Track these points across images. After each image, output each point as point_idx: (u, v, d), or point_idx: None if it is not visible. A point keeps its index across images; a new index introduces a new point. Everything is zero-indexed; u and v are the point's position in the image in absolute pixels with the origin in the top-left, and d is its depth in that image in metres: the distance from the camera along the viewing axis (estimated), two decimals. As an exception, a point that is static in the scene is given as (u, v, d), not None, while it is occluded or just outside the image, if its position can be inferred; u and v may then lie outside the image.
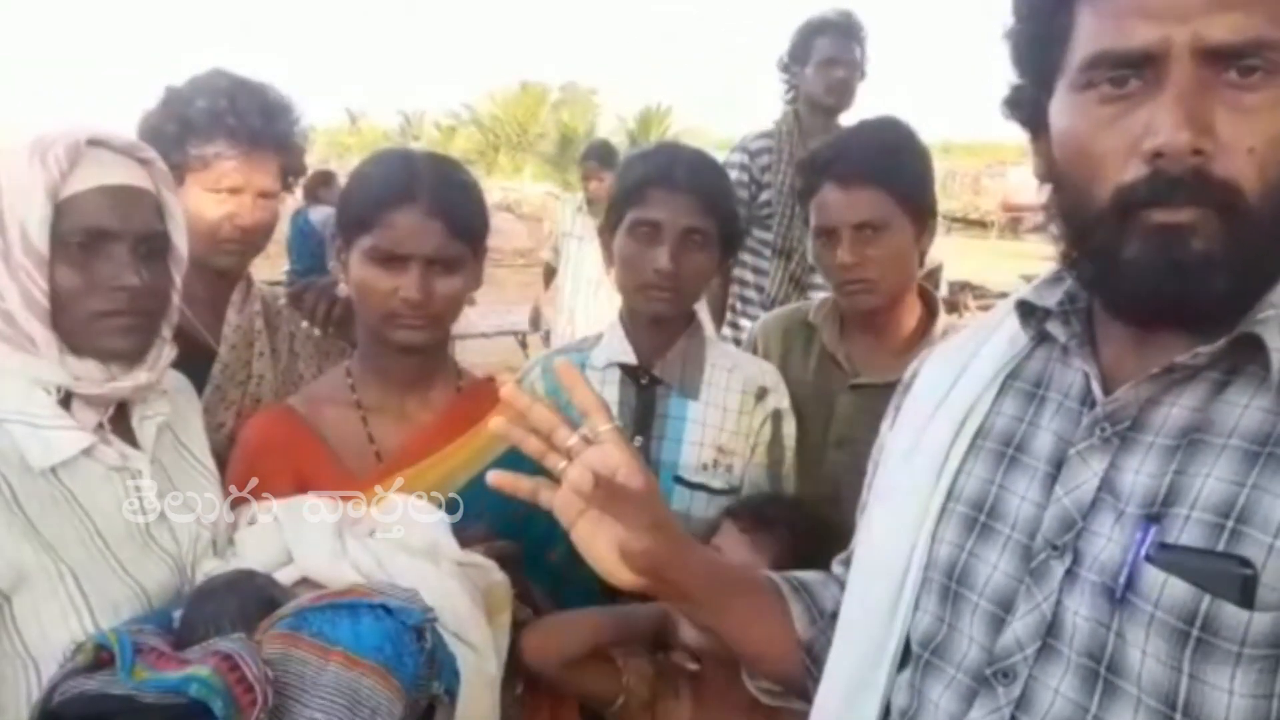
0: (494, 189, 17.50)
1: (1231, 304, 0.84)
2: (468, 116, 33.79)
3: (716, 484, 1.89)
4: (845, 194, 1.90)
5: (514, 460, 1.09)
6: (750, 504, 1.77)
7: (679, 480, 1.89)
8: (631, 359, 1.92)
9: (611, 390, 1.92)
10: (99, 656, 1.14)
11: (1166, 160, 0.81)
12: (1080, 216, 0.89)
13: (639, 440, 1.89)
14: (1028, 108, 0.96)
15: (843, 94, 3.48)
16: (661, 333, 1.93)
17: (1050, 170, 0.92)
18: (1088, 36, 0.86)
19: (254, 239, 1.99)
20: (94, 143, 1.31)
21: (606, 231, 1.94)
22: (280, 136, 1.97)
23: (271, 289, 2.20)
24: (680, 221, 1.82)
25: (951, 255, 8.04)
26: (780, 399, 1.96)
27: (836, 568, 1.24)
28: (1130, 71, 0.84)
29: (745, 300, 3.48)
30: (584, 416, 1.04)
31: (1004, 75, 1.00)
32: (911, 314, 2.01)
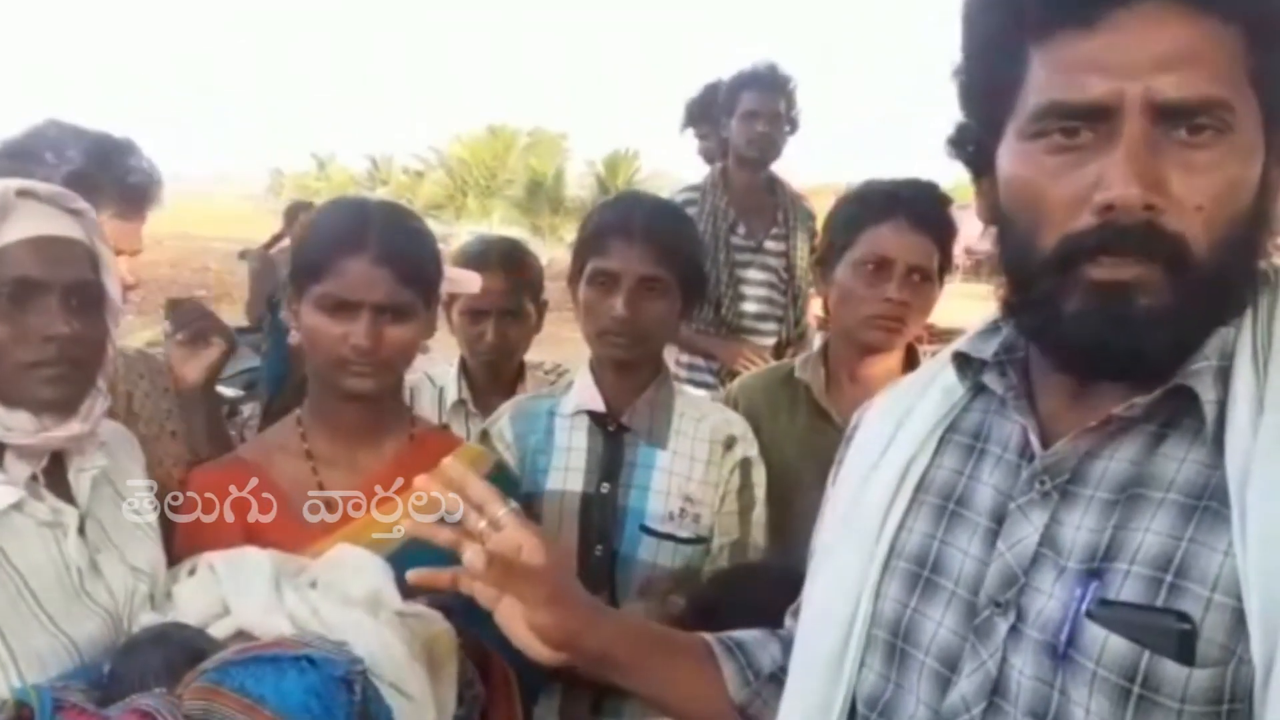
0: (462, 233, 17.53)
1: (1173, 357, 0.84)
2: (436, 161, 33.90)
3: (684, 534, 1.88)
4: (912, 234, 1.94)
5: None
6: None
7: (645, 529, 1.87)
8: (600, 406, 1.91)
9: (580, 437, 1.91)
10: (20, 713, 1.11)
11: (1118, 213, 0.80)
12: (1024, 265, 0.88)
13: (606, 488, 1.88)
14: (972, 149, 0.96)
15: (766, 147, 3.50)
16: (629, 381, 1.92)
17: (995, 215, 0.92)
18: (1039, 87, 0.85)
19: None
20: (23, 194, 1.30)
21: (573, 281, 1.94)
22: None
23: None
24: (636, 270, 1.82)
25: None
26: (749, 447, 1.95)
27: (789, 620, 1.22)
28: (1082, 123, 0.83)
29: (692, 368, 3.44)
30: (481, 509, 1.06)
31: (951, 114, 0.98)
32: (897, 368, 2.01)
